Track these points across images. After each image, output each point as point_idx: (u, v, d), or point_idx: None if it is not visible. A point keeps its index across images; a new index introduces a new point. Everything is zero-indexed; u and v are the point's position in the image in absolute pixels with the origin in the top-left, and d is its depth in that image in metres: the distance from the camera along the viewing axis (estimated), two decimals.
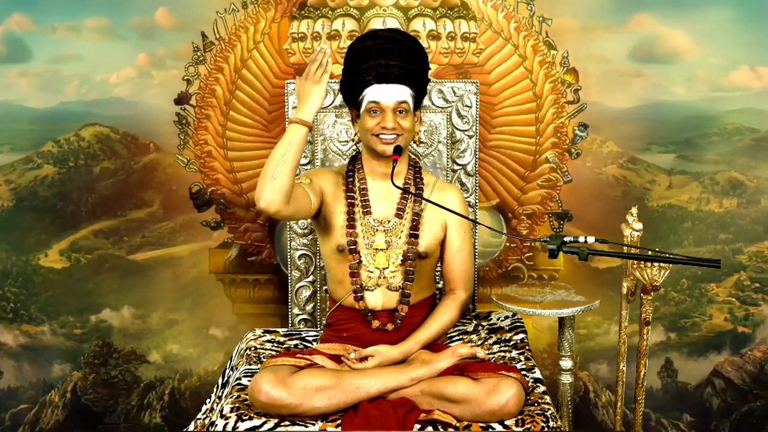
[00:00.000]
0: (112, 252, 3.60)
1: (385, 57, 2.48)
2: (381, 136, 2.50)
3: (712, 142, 3.55)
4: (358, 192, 2.61)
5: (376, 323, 2.55)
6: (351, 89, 2.55)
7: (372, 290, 2.57)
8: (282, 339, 2.87)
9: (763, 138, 3.54)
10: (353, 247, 2.55)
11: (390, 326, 2.55)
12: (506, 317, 2.94)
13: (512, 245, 3.57)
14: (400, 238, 2.56)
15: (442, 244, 2.62)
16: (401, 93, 2.50)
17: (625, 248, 2.82)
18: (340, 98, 2.99)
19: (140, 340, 3.63)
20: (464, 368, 2.40)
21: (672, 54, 3.47)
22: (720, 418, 3.64)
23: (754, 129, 3.55)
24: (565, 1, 3.40)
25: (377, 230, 2.57)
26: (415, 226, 2.56)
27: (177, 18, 3.47)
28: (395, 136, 2.50)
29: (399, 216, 2.58)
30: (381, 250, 2.55)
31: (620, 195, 3.54)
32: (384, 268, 2.56)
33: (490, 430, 2.28)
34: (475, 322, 2.96)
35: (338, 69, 2.76)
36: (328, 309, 2.71)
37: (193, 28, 3.44)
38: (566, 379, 2.83)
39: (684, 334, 3.62)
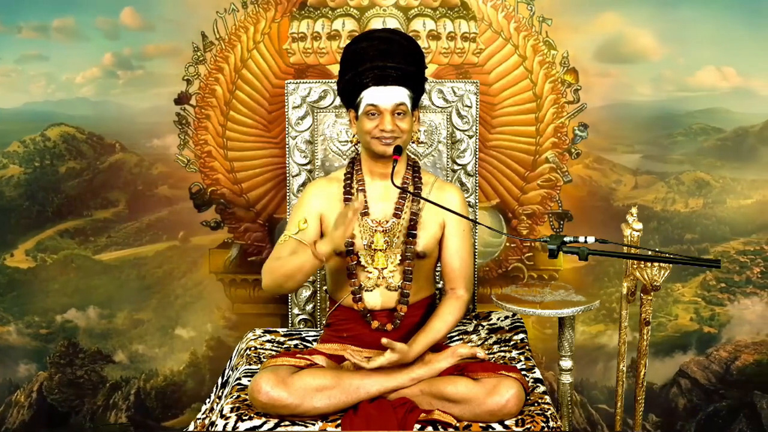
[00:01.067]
0: (77, 252, 3.61)
1: (382, 59, 2.47)
2: (380, 138, 2.50)
3: (678, 142, 3.56)
4: (356, 194, 2.60)
5: (375, 323, 2.55)
6: (348, 91, 2.55)
7: (371, 290, 2.56)
8: (282, 339, 2.86)
9: (729, 138, 3.54)
10: (351, 248, 2.55)
11: (389, 326, 2.55)
12: (506, 317, 2.94)
13: (512, 245, 3.57)
14: (398, 238, 2.56)
15: (441, 243, 2.62)
16: (399, 95, 2.49)
17: (625, 248, 2.82)
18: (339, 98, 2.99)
19: (106, 340, 3.64)
20: (464, 368, 2.40)
21: (638, 54, 3.47)
22: (686, 418, 3.64)
23: (720, 129, 3.55)
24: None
25: (376, 231, 2.57)
26: (412, 226, 2.56)
27: (142, 18, 3.47)
28: (394, 138, 2.50)
29: (397, 216, 2.58)
30: (379, 250, 2.55)
31: (586, 195, 3.54)
32: (383, 269, 2.56)
33: (490, 430, 2.28)
34: (475, 322, 2.96)
35: (338, 69, 2.77)
36: (328, 309, 2.71)
37: (184, 27, 3.44)
38: (566, 379, 2.83)
39: (650, 334, 3.60)
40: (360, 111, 2.53)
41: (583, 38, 3.43)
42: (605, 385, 3.63)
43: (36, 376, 3.65)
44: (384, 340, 2.34)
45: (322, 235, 2.59)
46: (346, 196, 2.59)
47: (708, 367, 3.64)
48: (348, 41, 3.27)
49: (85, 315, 3.62)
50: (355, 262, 2.55)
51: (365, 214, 2.58)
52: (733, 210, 3.56)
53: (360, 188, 2.61)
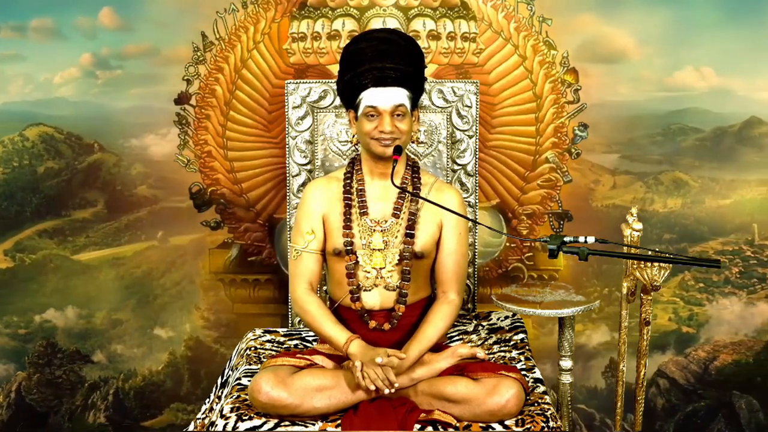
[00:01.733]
0: (56, 252, 3.61)
1: (381, 60, 2.47)
2: (379, 139, 2.50)
3: (657, 142, 3.55)
4: (355, 193, 2.60)
5: (373, 323, 2.55)
6: (347, 92, 2.55)
7: (369, 290, 2.56)
8: (282, 339, 2.86)
9: (707, 138, 3.54)
10: (350, 247, 2.55)
11: (387, 326, 2.55)
12: (506, 317, 2.94)
13: (512, 245, 3.57)
14: (396, 237, 2.56)
15: (437, 244, 2.61)
16: (398, 96, 2.49)
17: (625, 248, 2.83)
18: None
19: (84, 340, 3.64)
20: (464, 368, 2.40)
21: (616, 54, 3.47)
22: (664, 418, 3.64)
23: (699, 129, 3.55)
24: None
25: (374, 230, 2.57)
26: (411, 226, 2.56)
27: (121, 18, 3.48)
28: (393, 139, 2.50)
29: (396, 216, 2.57)
30: (378, 250, 2.55)
31: (564, 195, 3.53)
32: (381, 268, 2.55)
33: (490, 430, 2.28)
34: (475, 322, 2.96)
35: (337, 69, 2.76)
36: None
37: (165, 27, 3.45)
38: (566, 379, 2.83)
39: (628, 333, 3.59)
40: (359, 112, 2.52)
41: (564, 39, 3.43)
42: (584, 385, 3.64)
43: (15, 377, 3.66)
44: (378, 360, 2.34)
45: (325, 235, 2.59)
46: (346, 195, 2.59)
47: (686, 367, 3.64)
48: (348, 41, 3.27)
49: (63, 315, 3.63)
50: (353, 262, 2.55)
51: (364, 213, 2.58)
52: (712, 210, 3.55)
53: (359, 188, 2.61)
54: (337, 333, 2.47)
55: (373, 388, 2.30)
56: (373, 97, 2.48)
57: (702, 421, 3.62)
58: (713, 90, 3.48)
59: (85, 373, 3.66)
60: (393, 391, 2.31)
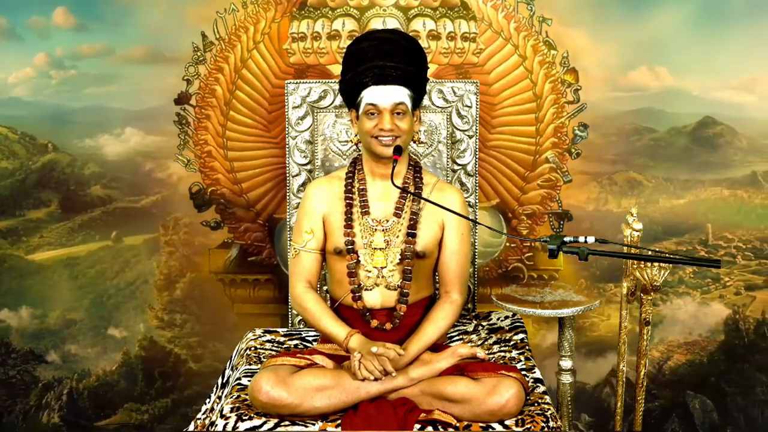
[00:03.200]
0: (10, 252, 3.61)
1: (382, 58, 2.48)
2: (379, 138, 2.50)
3: (611, 142, 3.55)
4: (357, 193, 2.61)
5: (374, 322, 2.55)
6: (349, 91, 2.55)
7: (370, 289, 2.57)
8: (282, 339, 2.87)
9: (662, 138, 3.54)
10: (351, 246, 2.55)
11: (389, 325, 2.55)
12: (506, 317, 2.94)
13: (512, 245, 3.57)
14: (398, 237, 2.57)
15: (439, 244, 2.62)
16: (399, 94, 2.49)
17: (625, 248, 2.83)
18: (340, 98, 2.99)
19: (38, 340, 3.64)
20: (464, 368, 2.40)
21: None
22: None
23: (653, 129, 3.55)
24: None
25: (376, 230, 2.57)
26: (412, 225, 2.56)
27: (76, 18, 3.48)
28: (393, 138, 2.50)
29: (397, 215, 2.58)
30: (379, 249, 2.55)
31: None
32: (382, 268, 2.56)
33: (490, 430, 2.28)
34: (475, 322, 2.96)
35: (338, 69, 2.77)
36: None
37: (120, 28, 3.46)
38: (566, 379, 2.83)
39: (583, 333, 3.60)
40: (360, 111, 2.53)
41: (564, 39, 3.44)
42: (550, 386, 3.63)
43: None
44: (374, 349, 2.35)
45: (326, 235, 2.60)
46: (347, 195, 2.60)
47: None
48: (348, 41, 3.29)
49: (17, 315, 3.63)
50: (354, 261, 2.55)
51: (365, 213, 2.59)
52: (666, 210, 3.55)
53: (360, 187, 2.61)
54: (337, 329, 2.48)
55: (372, 378, 2.31)
56: (373, 95, 2.48)
57: (656, 421, 3.62)
58: (668, 90, 3.47)
59: (39, 373, 3.65)
60: (389, 381, 2.32)
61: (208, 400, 2.77)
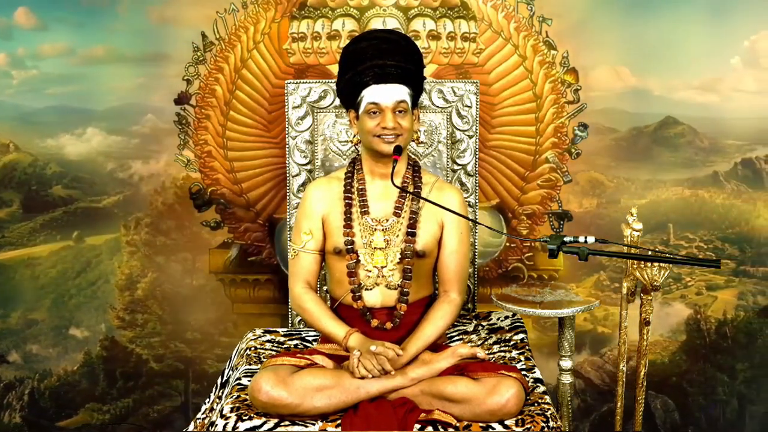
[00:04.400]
0: None
1: (382, 57, 2.48)
2: (382, 136, 2.51)
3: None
4: (356, 193, 2.61)
5: (375, 322, 2.55)
6: (348, 91, 2.56)
7: (370, 289, 2.57)
8: (282, 339, 2.87)
9: (623, 138, 3.53)
10: (351, 246, 2.55)
11: (389, 324, 2.55)
12: (506, 317, 2.94)
13: (512, 245, 3.57)
14: (397, 236, 2.57)
15: (439, 244, 2.62)
16: (400, 92, 2.50)
17: (625, 248, 2.83)
18: None
19: None
20: (464, 368, 2.40)
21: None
22: (580, 419, 3.63)
23: (614, 129, 3.55)
24: None
25: (375, 229, 2.57)
26: (412, 225, 2.56)
27: (38, 18, 3.48)
28: (396, 136, 2.50)
29: (397, 215, 2.58)
30: (379, 248, 2.56)
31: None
32: (382, 267, 2.56)
33: (490, 430, 2.28)
34: (475, 322, 2.96)
35: (337, 69, 2.77)
36: None
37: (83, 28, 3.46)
38: (566, 379, 2.83)
39: (544, 334, 3.60)
40: (361, 110, 2.53)
41: (565, 38, 3.43)
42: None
43: None
44: (373, 348, 2.35)
45: (325, 236, 2.59)
46: (347, 195, 2.60)
47: (602, 367, 3.63)
48: (348, 41, 3.28)
49: None
50: (354, 261, 2.55)
51: (365, 212, 2.59)
52: (627, 210, 3.53)
53: (360, 187, 2.62)
54: (336, 328, 2.49)
55: (370, 377, 2.31)
56: (374, 93, 2.49)
57: (615, 421, 3.62)
58: (630, 90, 3.47)
59: (0, 374, 3.65)
60: (389, 381, 2.32)
61: (208, 399, 2.77)
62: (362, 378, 2.34)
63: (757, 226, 3.46)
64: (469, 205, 3.03)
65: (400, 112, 2.50)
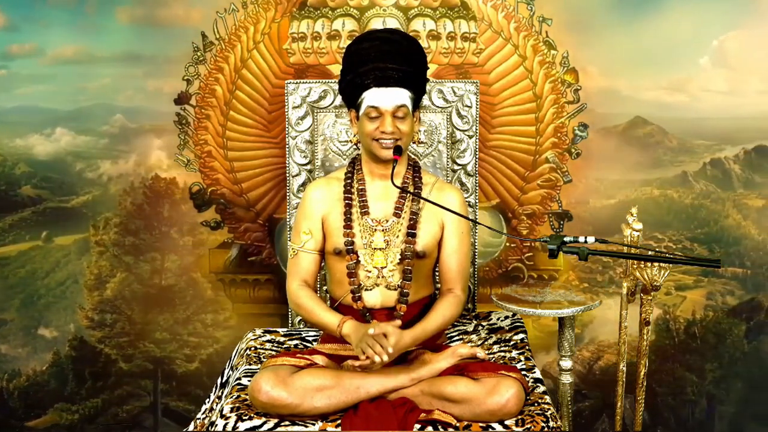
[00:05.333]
0: None
1: (383, 60, 2.47)
2: (380, 140, 2.51)
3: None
4: (356, 193, 2.61)
5: (374, 322, 2.55)
6: (349, 91, 2.55)
7: (370, 289, 2.57)
8: (282, 339, 2.87)
9: (592, 138, 3.51)
10: (351, 247, 2.55)
11: None
12: (506, 317, 2.94)
13: (512, 245, 3.57)
14: (397, 237, 2.57)
15: (440, 243, 2.62)
16: (400, 97, 2.49)
17: (625, 248, 2.83)
18: (340, 98, 2.99)
19: None
20: (464, 368, 2.40)
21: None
22: None
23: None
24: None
25: (375, 230, 2.57)
26: (412, 225, 2.56)
27: (7, 18, 3.49)
28: (394, 140, 2.50)
29: (397, 215, 2.58)
30: (379, 249, 2.56)
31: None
32: (382, 267, 2.56)
33: (490, 430, 2.28)
34: (475, 322, 2.96)
35: (338, 69, 2.77)
36: None
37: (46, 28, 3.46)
38: (566, 379, 2.83)
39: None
40: (361, 112, 2.53)
41: (565, 39, 3.43)
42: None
43: None
44: (371, 331, 2.35)
45: (324, 236, 2.59)
46: (347, 195, 2.60)
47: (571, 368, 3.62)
48: (348, 41, 3.28)
49: None
50: (354, 261, 2.55)
51: (365, 213, 2.59)
52: (597, 210, 3.55)
53: (360, 187, 2.61)
54: (330, 318, 2.49)
55: (376, 360, 2.29)
56: (374, 97, 2.48)
57: (586, 420, 3.62)
58: (598, 90, 3.47)
59: None
60: (386, 359, 2.31)
61: (208, 399, 2.77)
62: (371, 364, 2.32)
63: (726, 226, 3.46)
64: (469, 205, 3.03)
65: (399, 116, 2.50)
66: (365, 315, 2.56)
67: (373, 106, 2.49)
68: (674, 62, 3.45)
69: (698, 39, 3.45)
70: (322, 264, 2.67)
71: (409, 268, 2.55)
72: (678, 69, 3.47)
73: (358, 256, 2.56)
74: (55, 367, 3.65)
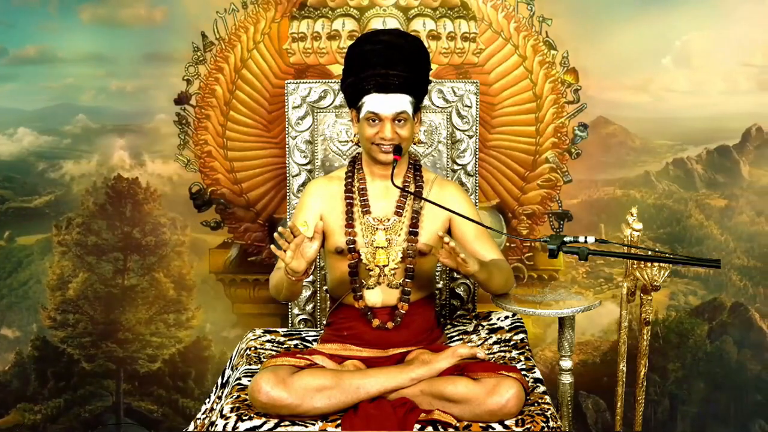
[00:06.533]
0: None
1: (385, 66, 2.46)
2: (379, 145, 2.51)
3: None
4: (357, 192, 2.61)
5: (376, 321, 2.55)
6: (350, 93, 2.55)
7: (372, 288, 2.57)
8: (282, 339, 2.87)
9: None
10: (352, 246, 2.55)
11: (390, 324, 2.55)
12: (506, 317, 2.94)
13: (512, 245, 3.56)
14: (399, 235, 2.57)
15: (455, 234, 2.61)
16: (400, 103, 2.49)
17: (625, 248, 2.83)
18: (340, 98, 2.99)
19: None
20: (464, 368, 2.40)
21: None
22: None
23: None
24: None
25: (377, 229, 2.57)
26: (414, 224, 2.57)
27: None
28: (393, 145, 2.50)
29: (398, 214, 2.58)
30: (381, 247, 2.56)
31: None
32: (384, 266, 2.56)
33: (490, 430, 2.28)
34: (475, 322, 2.96)
35: (338, 69, 2.77)
36: (328, 309, 2.71)
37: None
38: (566, 379, 2.83)
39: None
40: (361, 115, 2.53)
41: (565, 38, 3.43)
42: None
43: None
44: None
45: (325, 235, 2.59)
46: (348, 194, 2.60)
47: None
48: (348, 41, 3.29)
49: None
50: (356, 260, 2.55)
51: (366, 212, 2.59)
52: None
53: (361, 186, 2.62)
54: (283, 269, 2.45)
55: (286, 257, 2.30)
56: (374, 103, 2.48)
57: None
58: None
59: None
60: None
61: (208, 400, 2.77)
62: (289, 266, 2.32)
63: (688, 226, 3.46)
64: None
65: (399, 121, 2.50)
66: (366, 314, 2.56)
67: (372, 112, 2.48)
68: (637, 62, 3.46)
69: (661, 39, 3.45)
70: (323, 264, 2.67)
71: (411, 266, 2.55)
72: (641, 69, 3.47)
73: (359, 255, 2.56)
74: (17, 367, 3.64)
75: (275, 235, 2.32)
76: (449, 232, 2.63)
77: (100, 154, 3.56)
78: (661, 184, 3.56)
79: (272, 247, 2.32)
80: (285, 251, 2.31)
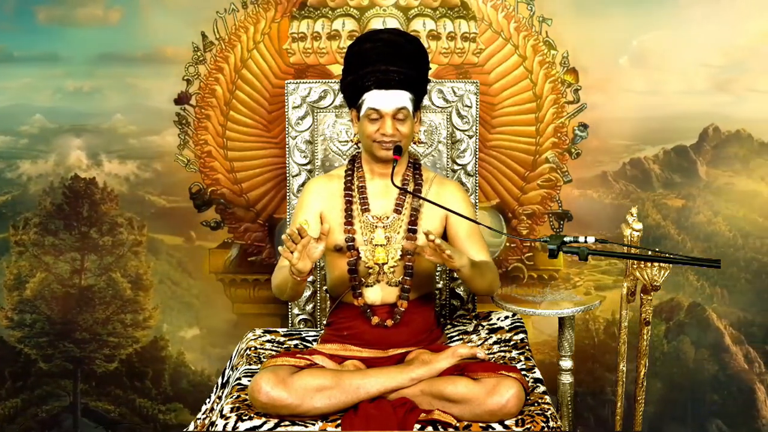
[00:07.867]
0: None
1: (385, 62, 2.47)
2: (380, 142, 2.51)
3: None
4: (356, 190, 2.61)
5: (375, 319, 2.55)
6: (350, 92, 2.56)
7: (371, 286, 2.57)
8: (282, 339, 2.87)
9: None
10: (351, 243, 2.55)
11: (389, 322, 2.55)
12: (506, 317, 2.94)
13: (512, 245, 3.57)
14: (398, 233, 2.57)
15: (450, 232, 2.61)
16: (401, 99, 2.49)
17: (625, 248, 2.83)
18: (340, 98, 2.99)
19: None
20: (464, 368, 2.40)
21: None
22: None
23: None
24: None
25: (376, 227, 2.58)
26: (413, 222, 2.57)
27: None
28: (394, 142, 2.50)
29: (398, 212, 2.59)
30: (380, 245, 2.56)
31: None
32: (383, 264, 2.56)
33: (490, 430, 2.28)
34: (475, 322, 2.96)
35: (338, 69, 2.77)
36: (328, 309, 2.71)
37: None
38: (566, 379, 2.83)
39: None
40: (361, 113, 2.53)
41: (565, 38, 3.43)
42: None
43: None
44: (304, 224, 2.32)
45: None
46: (347, 192, 2.60)
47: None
48: (348, 41, 3.29)
49: None
50: (355, 258, 2.55)
51: (365, 210, 2.59)
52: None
53: (360, 185, 2.62)
54: (286, 268, 2.43)
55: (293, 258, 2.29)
56: (375, 99, 2.48)
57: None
58: None
59: None
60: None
61: (208, 400, 2.77)
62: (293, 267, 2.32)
63: (646, 227, 3.43)
64: None
65: (400, 118, 2.50)
66: (366, 311, 2.56)
67: (373, 108, 2.49)
68: (594, 62, 3.44)
69: (618, 39, 3.44)
70: (323, 264, 2.67)
71: (410, 264, 2.55)
72: (597, 69, 3.45)
73: (359, 253, 2.56)
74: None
75: (283, 237, 2.32)
76: (445, 229, 2.63)
77: (57, 154, 3.55)
78: (618, 184, 3.55)
79: (280, 248, 2.31)
80: (292, 252, 2.30)
